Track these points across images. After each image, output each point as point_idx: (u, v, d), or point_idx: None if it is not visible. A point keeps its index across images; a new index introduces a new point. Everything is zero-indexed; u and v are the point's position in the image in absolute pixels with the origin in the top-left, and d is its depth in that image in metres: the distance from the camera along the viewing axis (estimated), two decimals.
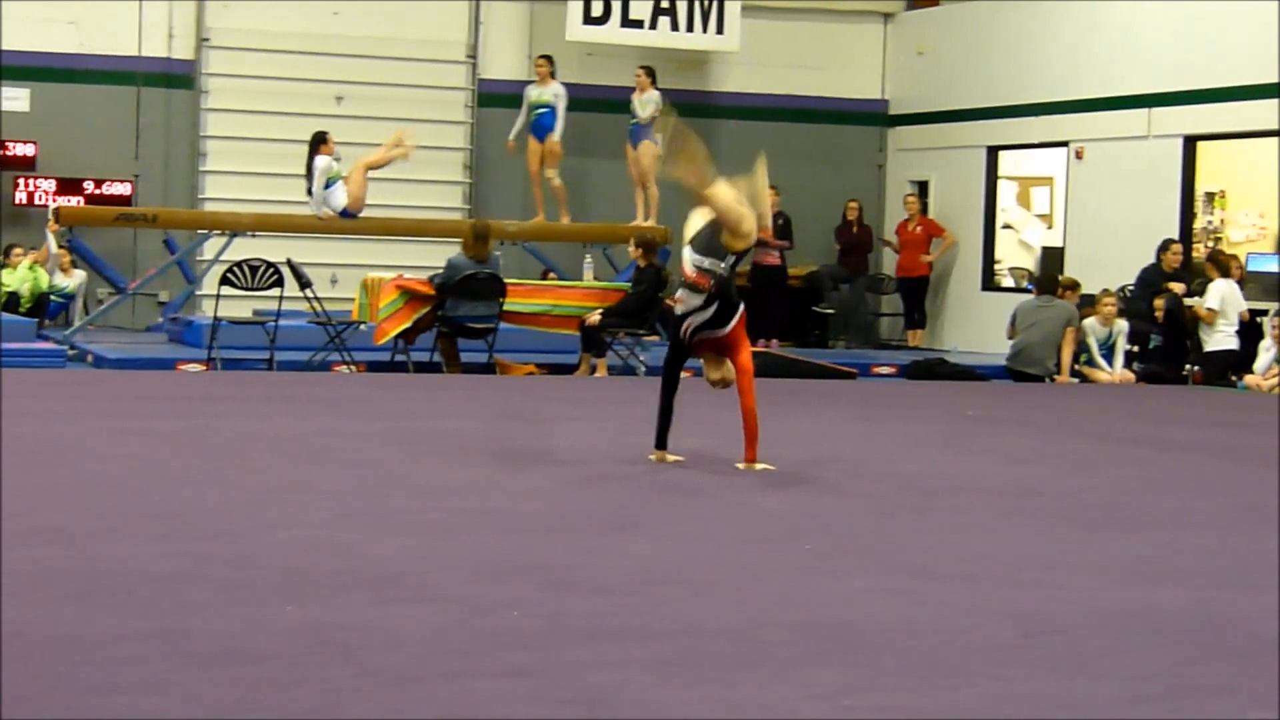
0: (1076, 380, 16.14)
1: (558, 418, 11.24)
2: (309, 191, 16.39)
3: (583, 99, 20.15)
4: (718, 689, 4.32)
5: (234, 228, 16.81)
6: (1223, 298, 16.11)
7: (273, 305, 15.09)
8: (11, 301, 17.59)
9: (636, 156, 18.09)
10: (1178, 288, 16.55)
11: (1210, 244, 17.84)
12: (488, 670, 4.41)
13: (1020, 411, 13.00)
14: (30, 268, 18.03)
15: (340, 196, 16.36)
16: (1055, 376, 16.08)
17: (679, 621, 5.00)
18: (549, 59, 18.09)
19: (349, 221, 16.73)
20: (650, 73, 18.26)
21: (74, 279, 18.26)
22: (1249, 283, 16.63)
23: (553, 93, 17.85)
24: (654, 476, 8.25)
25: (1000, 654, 4.77)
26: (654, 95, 18.16)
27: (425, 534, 6.37)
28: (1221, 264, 16.34)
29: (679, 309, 8.45)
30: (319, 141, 16.35)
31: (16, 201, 18.68)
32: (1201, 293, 16.31)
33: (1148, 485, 8.72)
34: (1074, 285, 16.71)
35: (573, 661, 4.52)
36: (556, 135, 17.80)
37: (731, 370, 8.41)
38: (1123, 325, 16.34)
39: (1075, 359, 16.20)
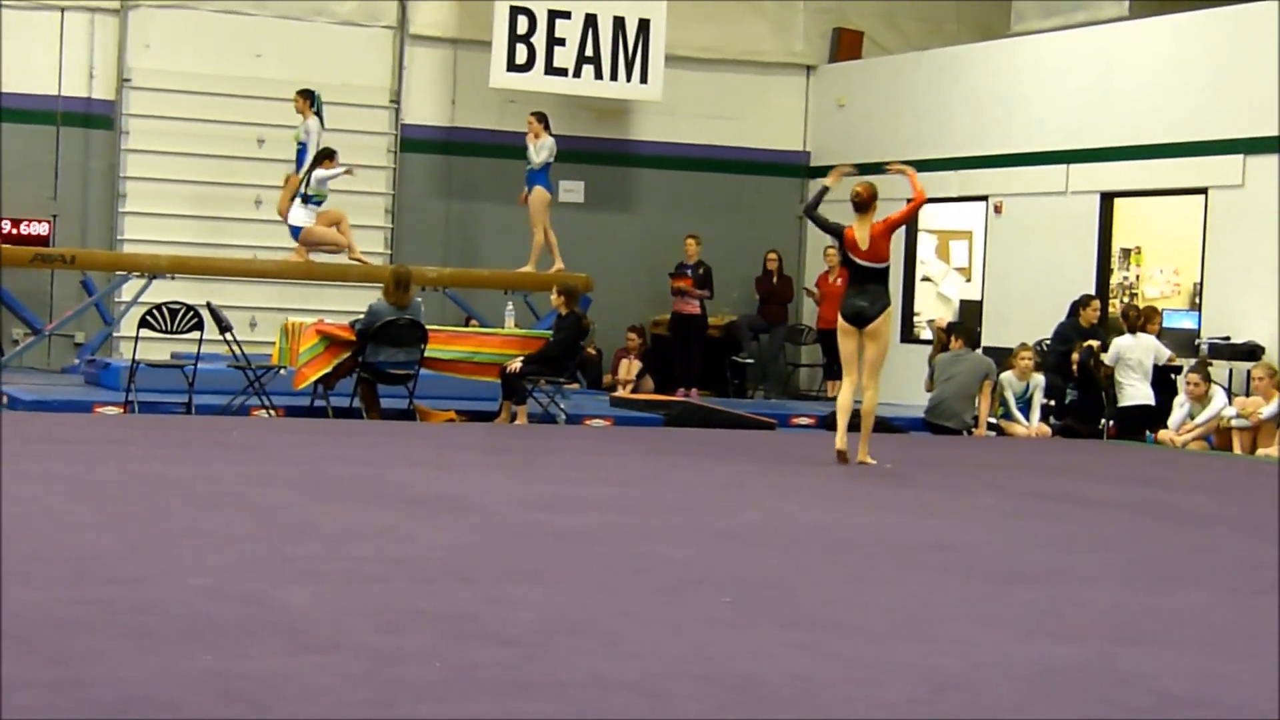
0: (993, 433, 16.26)
1: (476, 465, 11.22)
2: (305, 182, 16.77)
3: (502, 145, 20.18)
4: None
5: (153, 269, 16.75)
6: (1119, 353, 16.26)
7: (191, 348, 15.01)
8: None
9: (529, 201, 18.09)
10: (1093, 343, 16.71)
11: (1125, 299, 18.04)
12: None
13: (936, 464, 13.09)
14: None
15: (308, 216, 16.58)
16: (972, 429, 16.20)
17: (589, 673, 5.00)
18: (304, 93, 17.72)
19: (268, 264, 16.74)
20: (543, 119, 18.24)
21: None
22: (1163, 339, 16.81)
23: (304, 129, 17.61)
24: (567, 526, 8.26)
25: (909, 709, 4.79)
26: (548, 141, 18.12)
27: (336, 582, 6.35)
28: (1130, 319, 16.51)
29: None
30: (325, 156, 16.63)
31: None
32: (1108, 348, 16.49)
33: (1054, 539, 8.79)
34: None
35: (483, 714, 4.51)
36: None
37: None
38: (1039, 379, 16.47)
39: (992, 412, 16.32)
